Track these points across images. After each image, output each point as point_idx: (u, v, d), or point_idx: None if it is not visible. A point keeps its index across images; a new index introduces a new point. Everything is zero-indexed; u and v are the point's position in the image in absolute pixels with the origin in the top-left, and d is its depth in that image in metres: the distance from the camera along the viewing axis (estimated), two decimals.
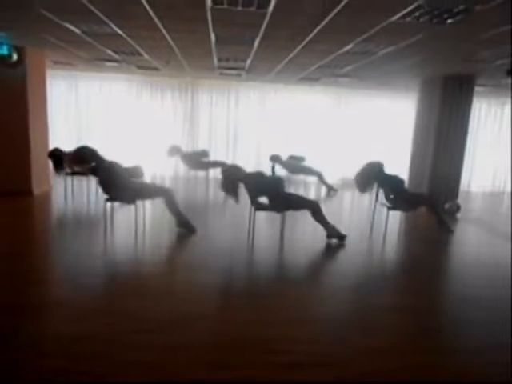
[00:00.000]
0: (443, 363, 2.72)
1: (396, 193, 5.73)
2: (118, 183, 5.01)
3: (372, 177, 5.75)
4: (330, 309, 3.45)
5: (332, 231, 5.26)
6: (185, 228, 5.36)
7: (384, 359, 2.72)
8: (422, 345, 2.95)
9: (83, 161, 5.26)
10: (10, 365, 2.45)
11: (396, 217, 6.08)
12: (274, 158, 8.84)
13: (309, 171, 9.12)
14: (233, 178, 5.04)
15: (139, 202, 5.26)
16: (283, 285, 4.02)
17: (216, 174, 9.18)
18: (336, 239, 5.26)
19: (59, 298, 3.41)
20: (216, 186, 8.98)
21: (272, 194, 5.14)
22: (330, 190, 9.00)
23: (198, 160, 9.09)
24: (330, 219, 5.31)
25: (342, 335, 3.02)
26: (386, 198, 5.82)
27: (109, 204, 5.42)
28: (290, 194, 5.42)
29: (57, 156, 6.79)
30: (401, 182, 5.83)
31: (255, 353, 2.71)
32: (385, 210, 5.75)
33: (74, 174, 7.09)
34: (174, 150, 8.91)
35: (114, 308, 3.27)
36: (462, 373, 2.63)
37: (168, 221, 5.50)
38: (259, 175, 5.25)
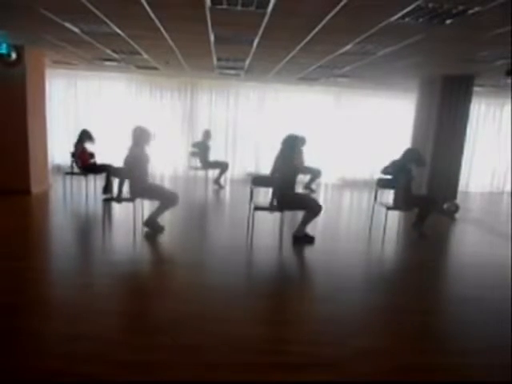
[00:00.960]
0: (442, 364, 2.72)
1: (404, 190, 5.67)
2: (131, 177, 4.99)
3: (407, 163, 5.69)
4: (328, 309, 3.45)
5: (301, 234, 5.16)
6: (150, 229, 5.26)
7: (383, 360, 2.72)
8: (421, 346, 2.96)
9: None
10: (6, 365, 2.44)
11: (395, 217, 6.09)
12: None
13: (308, 170, 9.10)
14: None
15: (137, 201, 5.24)
16: (280, 285, 4.03)
17: (215, 174, 9.21)
18: (302, 242, 5.17)
19: (57, 297, 3.41)
20: (214, 185, 9.04)
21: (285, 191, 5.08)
22: (308, 188, 8.94)
23: (206, 157, 9.11)
24: (330, 218, 5.31)
25: (340, 336, 3.02)
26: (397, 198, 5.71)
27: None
28: (296, 194, 5.34)
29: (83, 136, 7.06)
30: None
31: (253, 353, 2.71)
32: (383, 209, 5.75)
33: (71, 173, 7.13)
34: (206, 135, 9.03)
35: (112, 308, 3.27)
36: (462, 374, 2.63)
37: (167, 219, 5.50)
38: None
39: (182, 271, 4.18)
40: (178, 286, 3.79)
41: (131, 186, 5.06)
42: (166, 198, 5.18)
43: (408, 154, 5.72)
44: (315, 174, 8.99)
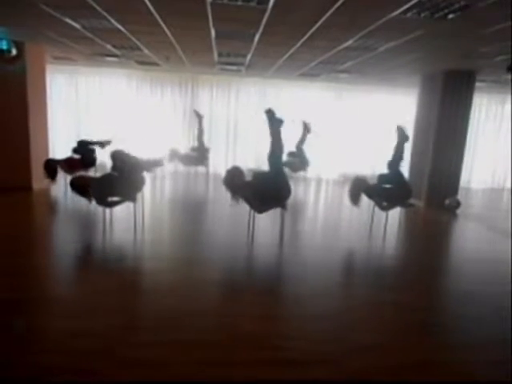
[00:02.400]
0: (442, 360, 2.73)
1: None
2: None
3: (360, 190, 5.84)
4: (328, 305, 3.46)
5: None
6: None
7: (382, 356, 2.73)
8: (421, 342, 2.96)
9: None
10: (4, 361, 2.45)
11: (395, 213, 6.08)
12: None
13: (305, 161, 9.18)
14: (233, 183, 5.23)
15: (138, 197, 5.24)
16: (281, 281, 4.04)
17: (215, 170, 9.23)
18: None
19: (57, 293, 3.41)
20: (215, 182, 9.03)
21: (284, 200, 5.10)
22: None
23: (196, 158, 9.21)
24: (331, 215, 5.29)
25: (341, 332, 3.03)
26: (378, 205, 5.77)
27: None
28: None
29: (51, 166, 6.83)
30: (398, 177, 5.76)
31: (253, 349, 2.72)
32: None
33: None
34: (173, 154, 9.18)
35: (113, 304, 3.27)
36: (462, 371, 2.63)
37: (167, 218, 5.50)
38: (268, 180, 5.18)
39: (183, 268, 4.18)
40: (179, 282, 3.80)
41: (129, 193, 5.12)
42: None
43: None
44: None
